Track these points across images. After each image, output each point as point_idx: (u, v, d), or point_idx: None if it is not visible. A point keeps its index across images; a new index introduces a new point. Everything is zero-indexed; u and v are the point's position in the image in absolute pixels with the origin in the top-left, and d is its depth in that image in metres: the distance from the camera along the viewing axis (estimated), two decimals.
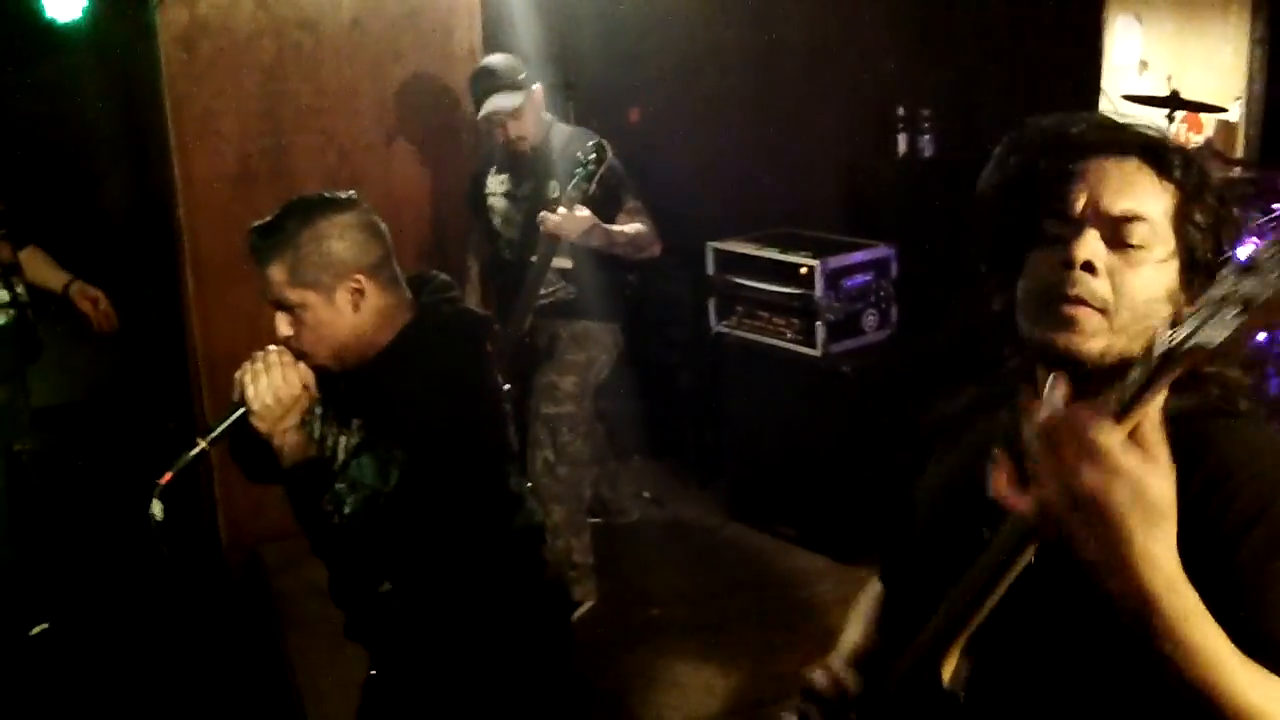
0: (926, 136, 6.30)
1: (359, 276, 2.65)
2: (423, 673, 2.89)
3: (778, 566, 5.47)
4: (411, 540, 2.66)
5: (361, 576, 2.81)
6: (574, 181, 4.53)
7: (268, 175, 5.39)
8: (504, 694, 2.88)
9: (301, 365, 2.66)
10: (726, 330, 5.71)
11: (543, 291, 4.91)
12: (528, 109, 4.85)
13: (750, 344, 5.63)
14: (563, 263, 4.92)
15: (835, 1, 6.21)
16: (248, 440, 2.71)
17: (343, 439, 2.82)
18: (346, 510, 2.66)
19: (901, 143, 6.43)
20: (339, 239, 2.64)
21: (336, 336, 2.68)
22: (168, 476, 2.56)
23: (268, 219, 2.68)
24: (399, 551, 2.69)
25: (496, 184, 5.11)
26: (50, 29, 5.64)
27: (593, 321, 5.06)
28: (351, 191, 2.77)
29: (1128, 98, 6.67)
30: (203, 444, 2.59)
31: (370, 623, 2.91)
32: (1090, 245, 1.59)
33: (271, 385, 2.60)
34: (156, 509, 2.52)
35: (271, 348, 2.66)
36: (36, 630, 5.24)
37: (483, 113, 4.85)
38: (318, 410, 2.89)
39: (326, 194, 2.73)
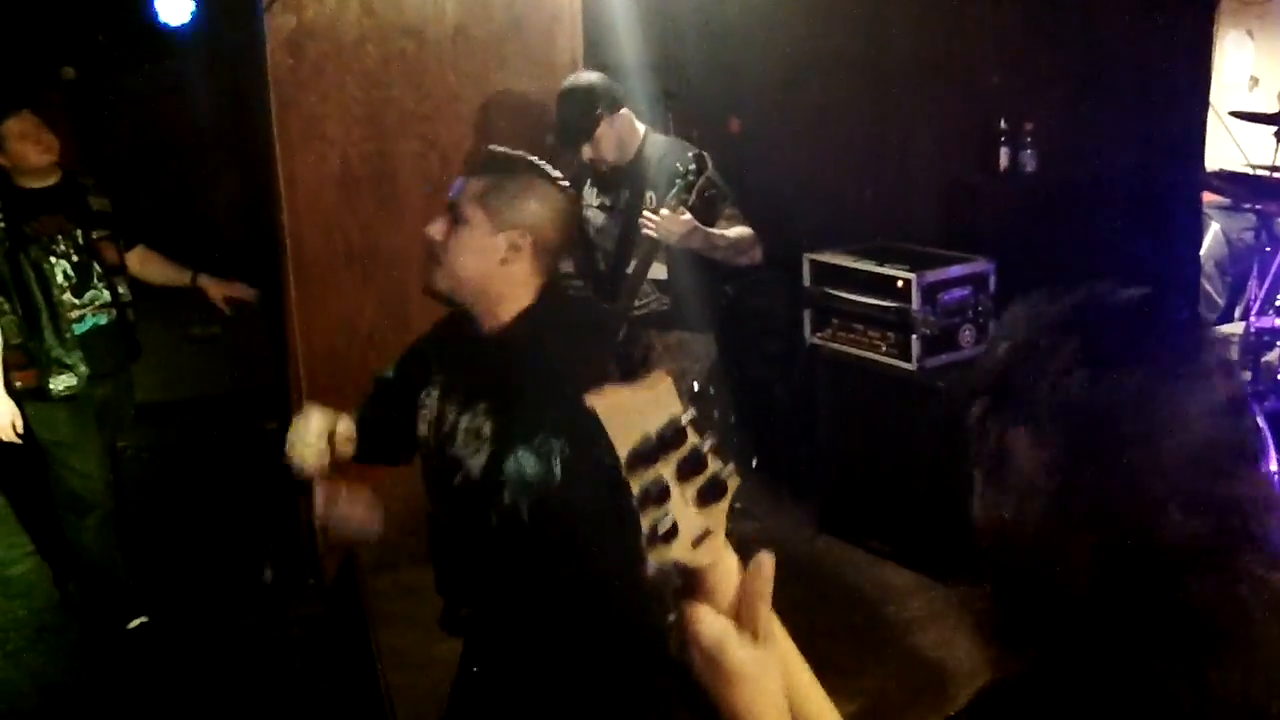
0: (1029, 151, 6.22)
1: (528, 239, 2.71)
2: (519, 668, 2.89)
3: (868, 581, 5.43)
4: (578, 530, 2.62)
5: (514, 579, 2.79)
6: (674, 192, 4.56)
7: (370, 180, 5.45)
8: (594, 694, 2.86)
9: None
10: (821, 342, 5.68)
11: (638, 303, 4.94)
12: (605, 136, 4.93)
13: (845, 356, 5.59)
14: (658, 273, 4.94)
15: (940, 14, 6.15)
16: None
17: (464, 420, 2.79)
18: (525, 518, 2.62)
19: (1004, 157, 6.36)
20: (540, 201, 2.73)
21: (470, 268, 2.73)
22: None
23: (511, 152, 2.81)
24: (569, 543, 2.66)
25: (592, 196, 5.14)
26: (162, 34, 5.75)
27: (688, 332, 5.07)
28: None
29: (1236, 114, 6.55)
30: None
31: (476, 612, 2.92)
32: None
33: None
34: (268, 574, 2.67)
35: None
36: (135, 623, 5.34)
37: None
38: (434, 392, 2.91)
39: (560, 175, 2.83)
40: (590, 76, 5.01)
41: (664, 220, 4.54)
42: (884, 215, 6.18)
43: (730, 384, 5.58)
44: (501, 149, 2.81)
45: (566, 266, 5.41)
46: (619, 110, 4.94)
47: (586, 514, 2.59)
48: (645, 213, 4.61)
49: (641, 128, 5.05)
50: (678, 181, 4.56)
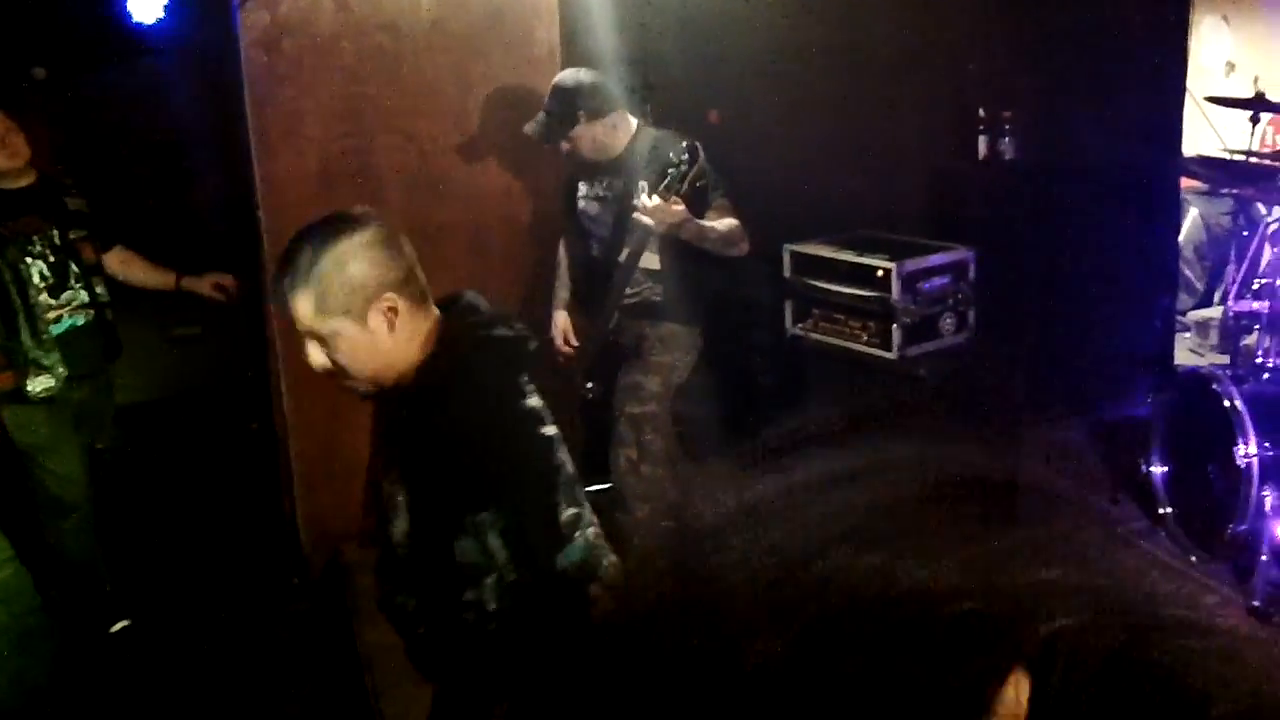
0: (1008, 139, 6.23)
1: (390, 295, 2.53)
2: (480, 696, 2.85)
3: None
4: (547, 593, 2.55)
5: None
6: (666, 182, 4.55)
7: (350, 176, 5.42)
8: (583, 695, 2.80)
9: None
10: (803, 333, 5.69)
11: (629, 291, 4.95)
12: (581, 137, 4.94)
13: (826, 346, 5.60)
14: (651, 263, 4.94)
15: (918, 3, 6.15)
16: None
17: (385, 482, 2.72)
18: (492, 607, 2.51)
19: (982, 145, 6.37)
20: (361, 259, 2.51)
21: (375, 360, 2.57)
22: None
23: (284, 251, 2.57)
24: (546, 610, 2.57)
25: (587, 189, 5.14)
26: (139, 32, 5.73)
27: (678, 324, 5.07)
28: (366, 208, 2.66)
29: (1212, 99, 6.57)
30: None
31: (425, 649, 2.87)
32: None
33: None
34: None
35: None
36: (118, 627, 5.32)
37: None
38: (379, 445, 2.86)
39: (340, 214, 2.60)
40: (578, 77, 4.96)
41: (656, 209, 4.54)
42: (864, 205, 6.18)
43: (714, 374, 5.58)
44: (288, 243, 2.58)
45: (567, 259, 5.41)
46: (603, 115, 4.91)
47: (548, 573, 2.54)
48: (637, 201, 4.61)
49: (634, 122, 5.05)
50: (670, 171, 4.56)
